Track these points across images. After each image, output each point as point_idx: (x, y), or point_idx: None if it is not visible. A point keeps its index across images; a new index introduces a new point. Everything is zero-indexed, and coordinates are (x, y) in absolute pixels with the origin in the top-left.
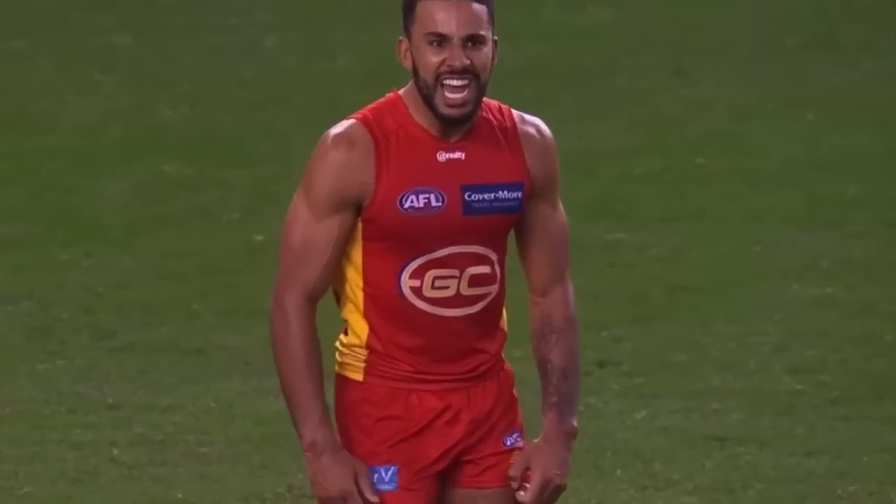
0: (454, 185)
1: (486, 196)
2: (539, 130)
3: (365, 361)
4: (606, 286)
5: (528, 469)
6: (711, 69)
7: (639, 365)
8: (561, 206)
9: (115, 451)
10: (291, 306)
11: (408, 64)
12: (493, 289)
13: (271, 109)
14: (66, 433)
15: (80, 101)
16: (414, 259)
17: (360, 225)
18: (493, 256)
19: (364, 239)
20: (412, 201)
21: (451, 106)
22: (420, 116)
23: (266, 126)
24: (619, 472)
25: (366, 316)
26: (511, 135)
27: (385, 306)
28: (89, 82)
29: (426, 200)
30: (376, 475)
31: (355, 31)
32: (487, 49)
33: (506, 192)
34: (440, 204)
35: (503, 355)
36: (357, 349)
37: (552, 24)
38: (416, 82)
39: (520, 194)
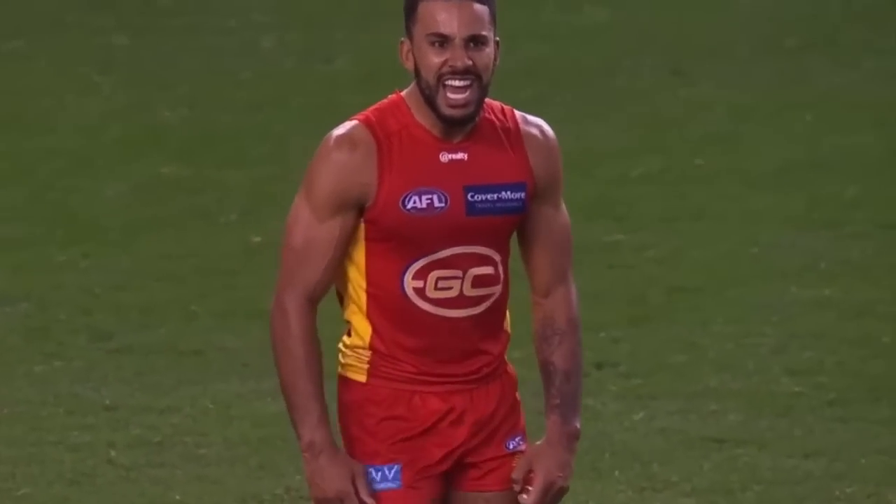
0: (457, 185)
1: (489, 196)
2: (542, 131)
3: (368, 363)
4: (605, 287)
5: (530, 471)
6: (710, 70)
7: (637, 366)
8: (564, 206)
9: (113, 453)
10: (292, 307)
11: (409, 65)
12: (497, 289)
13: (269, 110)
14: (63, 434)
15: (78, 101)
16: (417, 260)
17: (362, 226)
18: (497, 257)
19: (367, 240)
20: (415, 202)
21: (453, 106)
22: (422, 117)
23: (264, 127)
24: (617, 473)
25: (369, 317)
26: (514, 135)
27: (388, 307)
28: (88, 83)
29: (429, 201)
30: (379, 473)
31: (353, 32)
32: (489, 49)
33: (509, 193)
34: (443, 204)
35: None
36: (360, 350)
37: (551, 25)
38: (418, 83)
39: (523, 195)
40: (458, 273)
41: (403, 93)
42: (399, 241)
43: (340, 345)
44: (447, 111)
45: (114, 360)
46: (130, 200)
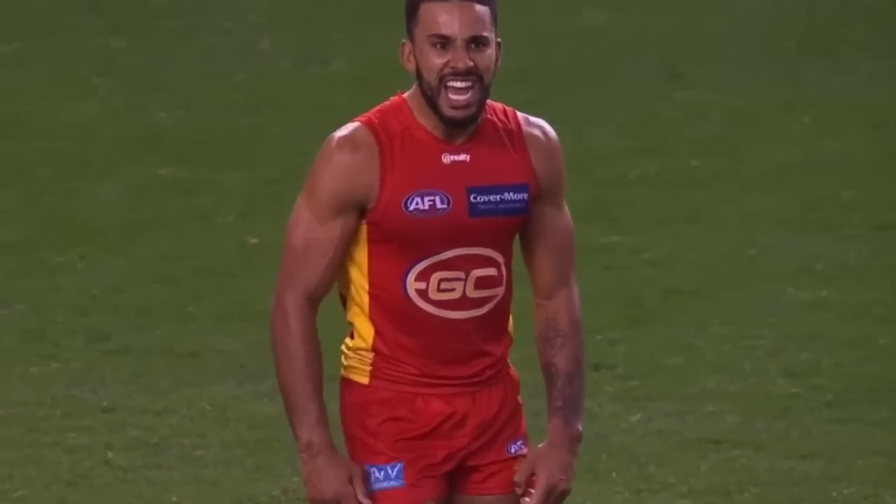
0: (459, 187)
1: (491, 198)
2: (545, 132)
3: (371, 364)
4: (601, 289)
5: (532, 474)
6: (707, 72)
7: (633, 368)
8: (567, 208)
9: (110, 455)
10: (292, 307)
11: (411, 67)
12: (500, 291)
13: (266, 112)
14: (60, 436)
15: (74, 103)
16: (419, 261)
17: (365, 227)
18: (500, 258)
19: (369, 241)
20: (417, 203)
21: (454, 108)
22: (424, 119)
23: (261, 129)
24: (614, 474)
25: (371, 319)
26: (516, 137)
27: (390, 309)
28: (84, 85)
29: (431, 202)
30: (382, 472)
31: (350, 33)
32: (491, 51)
33: (511, 194)
34: (445, 206)
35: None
36: (363, 352)
37: (548, 27)
38: (420, 85)
39: (525, 195)
40: (461, 275)
41: (405, 95)
42: (401, 242)
43: (343, 347)
44: (449, 112)
45: (111, 362)
46: (127, 202)
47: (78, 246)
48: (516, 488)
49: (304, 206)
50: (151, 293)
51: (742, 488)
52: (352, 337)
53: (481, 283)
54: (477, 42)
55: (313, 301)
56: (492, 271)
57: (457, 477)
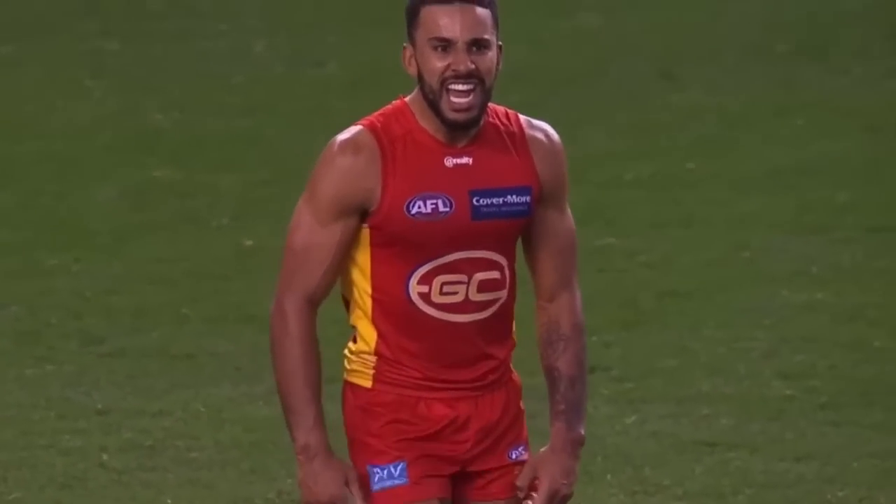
0: (462, 190)
1: (494, 200)
2: (547, 135)
3: (374, 368)
4: (596, 291)
5: (535, 478)
6: (701, 75)
7: (628, 370)
8: (569, 211)
9: (105, 457)
10: (291, 309)
11: (412, 70)
12: (503, 294)
13: (260, 115)
14: (54, 439)
15: (69, 106)
16: (422, 265)
17: (367, 231)
18: (503, 261)
19: (372, 245)
20: (419, 207)
21: (456, 110)
22: (426, 122)
23: (255, 131)
24: (609, 477)
25: (374, 322)
26: (519, 139)
27: (393, 312)
28: (78, 88)
29: (434, 206)
30: (385, 471)
31: (344, 37)
32: (492, 53)
33: (514, 197)
34: (448, 209)
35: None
36: (366, 356)
37: (541, 30)
38: (422, 88)
39: (528, 198)
40: (464, 278)
41: (407, 98)
42: (404, 246)
43: (346, 351)
44: (451, 115)
45: (105, 364)
46: (121, 204)
47: (72, 248)
48: (518, 492)
49: (306, 208)
50: (146, 295)
51: (737, 490)
52: (354, 341)
53: (484, 286)
54: (478, 45)
55: (313, 303)
56: (495, 274)
57: (459, 483)
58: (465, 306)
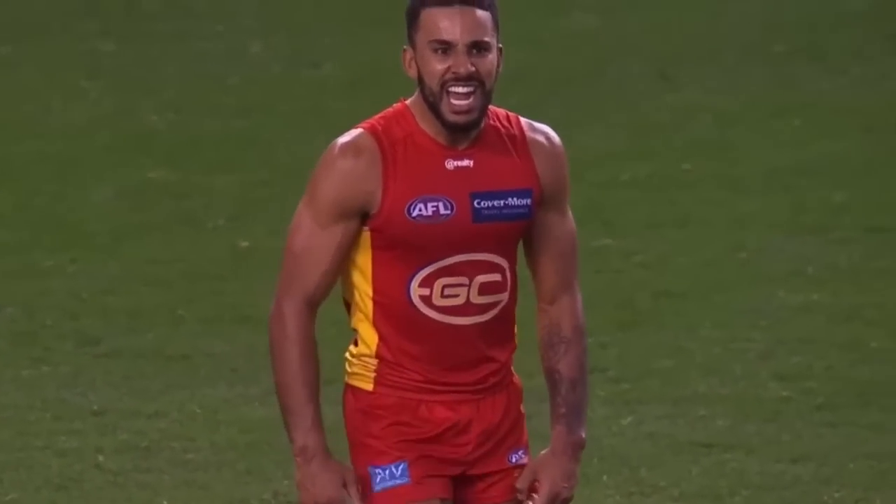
0: (463, 192)
1: (495, 203)
2: (548, 138)
3: (375, 371)
4: (592, 292)
5: (534, 481)
6: (698, 75)
7: (625, 371)
8: (570, 214)
9: (101, 458)
10: (290, 311)
11: (413, 73)
12: (504, 297)
13: (256, 116)
14: (50, 440)
15: (65, 107)
16: (423, 267)
17: (368, 234)
18: (504, 264)
19: (373, 248)
20: (420, 209)
21: (456, 113)
22: (427, 125)
23: (251, 132)
24: (605, 478)
25: (375, 325)
26: (520, 142)
27: (394, 315)
28: (74, 89)
29: (434, 208)
30: (387, 471)
31: (340, 37)
32: (492, 56)
33: (515, 199)
34: (449, 211)
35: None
36: (367, 359)
37: (538, 31)
38: (422, 91)
39: (529, 201)
40: (465, 280)
41: (408, 101)
42: (405, 248)
43: (347, 354)
44: (451, 117)
45: (101, 365)
46: (117, 205)
47: (68, 249)
48: (518, 495)
49: (306, 211)
50: (142, 296)
51: (733, 492)
52: (356, 344)
53: (485, 288)
54: (478, 47)
55: (312, 305)
56: (496, 277)
57: (459, 487)
58: (467, 309)
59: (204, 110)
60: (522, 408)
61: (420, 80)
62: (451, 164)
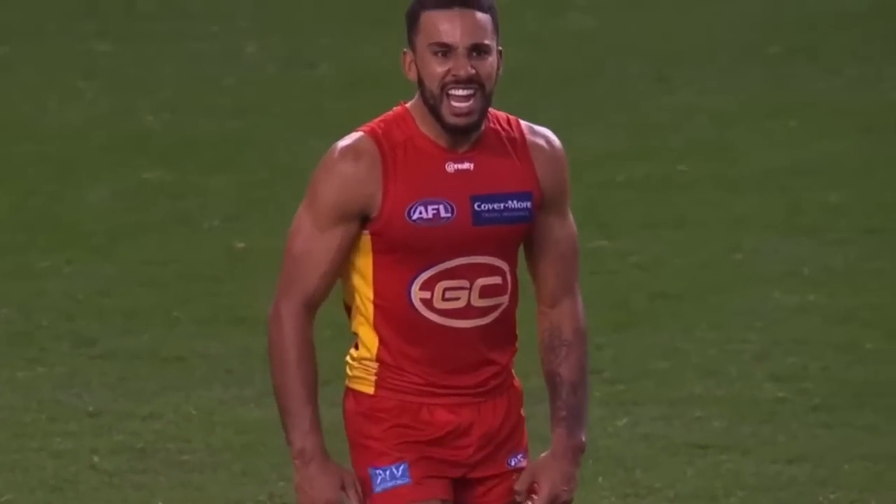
0: (463, 195)
1: (495, 206)
2: (549, 141)
3: (376, 374)
4: (588, 293)
5: (533, 483)
6: (694, 76)
7: (620, 372)
8: (571, 217)
9: (96, 459)
10: (288, 313)
11: (412, 76)
12: (504, 300)
13: (252, 116)
14: (46, 441)
15: (61, 107)
16: (424, 270)
17: (368, 238)
18: (505, 267)
19: (373, 251)
20: (420, 212)
21: (457, 115)
22: (427, 128)
23: (247, 133)
24: (600, 479)
25: (376, 328)
26: (520, 145)
27: (395, 318)
28: (71, 89)
29: (435, 211)
30: (388, 472)
31: (337, 38)
32: (492, 58)
33: (515, 202)
34: (449, 214)
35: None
36: (367, 362)
37: (535, 31)
38: (422, 93)
39: (529, 204)
40: (466, 283)
41: (408, 104)
42: (406, 252)
43: (348, 358)
44: (451, 120)
45: (97, 366)
46: (113, 206)
47: (64, 250)
48: (516, 496)
49: (306, 214)
50: (137, 297)
51: (729, 493)
52: (356, 348)
53: (486, 291)
54: (478, 50)
55: (310, 308)
56: (496, 280)
57: (459, 491)
58: (468, 312)
59: (200, 111)
60: (522, 411)
61: (420, 82)
62: (451, 167)
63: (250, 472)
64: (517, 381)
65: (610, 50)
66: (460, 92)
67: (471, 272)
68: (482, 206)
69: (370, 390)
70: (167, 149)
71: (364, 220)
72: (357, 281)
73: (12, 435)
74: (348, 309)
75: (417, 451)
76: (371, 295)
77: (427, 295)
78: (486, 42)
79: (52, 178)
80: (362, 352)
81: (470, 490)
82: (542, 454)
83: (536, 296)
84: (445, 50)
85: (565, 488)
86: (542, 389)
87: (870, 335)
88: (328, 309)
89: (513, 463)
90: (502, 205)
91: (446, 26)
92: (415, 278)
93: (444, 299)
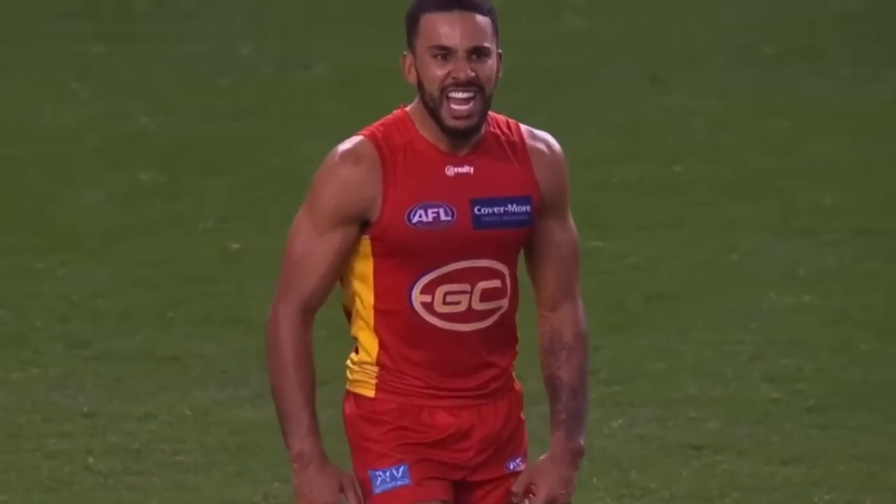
0: (463, 199)
1: (495, 210)
2: (549, 146)
3: (376, 377)
4: (583, 294)
5: (530, 485)
6: (689, 77)
7: (616, 373)
8: (571, 221)
9: (91, 460)
10: (285, 316)
11: (412, 79)
12: (504, 303)
13: (247, 117)
14: (40, 442)
15: (55, 109)
16: (424, 274)
17: (368, 242)
18: (504, 270)
19: (374, 256)
20: (420, 216)
21: (457, 118)
22: (427, 132)
23: (242, 134)
24: (595, 480)
25: (376, 332)
26: (520, 149)
27: (396, 322)
28: (65, 90)
29: (435, 215)
30: (388, 474)
31: (331, 39)
32: (492, 61)
33: (515, 206)
34: (449, 218)
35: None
36: (368, 366)
37: (529, 33)
38: (422, 97)
39: (528, 208)
40: (467, 287)
41: (408, 108)
42: (406, 256)
43: (348, 362)
44: (451, 123)
45: (91, 368)
46: (108, 207)
47: (58, 251)
48: (513, 498)
49: (305, 217)
50: (132, 298)
51: (724, 494)
52: (356, 352)
53: (486, 295)
54: (478, 53)
55: (308, 311)
56: (496, 283)
57: (458, 494)
58: (468, 315)
59: (194, 112)
60: (523, 414)
61: (420, 85)
62: (451, 171)
63: (245, 472)
64: (518, 384)
65: (604, 51)
66: (460, 95)
67: (471, 276)
68: (482, 210)
69: (371, 393)
70: (162, 150)
71: (364, 225)
72: (357, 286)
73: (7, 436)
74: (348, 313)
75: (418, 453)
76: (372, 299)
77: (428, 299)
78: (486, 45)
79: (46, 180)
80: (362, 356)
81: (469, 493)
82: (541, 457)
83: (537, 299)
84: (445, 53)
85: (563, 492)
86: (537, 392)
87: (864, 336)
88: (324, 309)
89: (511, 466)
90: (502, 209)
91: (446, 29)
92: (415, 282)
93: (444, 303)
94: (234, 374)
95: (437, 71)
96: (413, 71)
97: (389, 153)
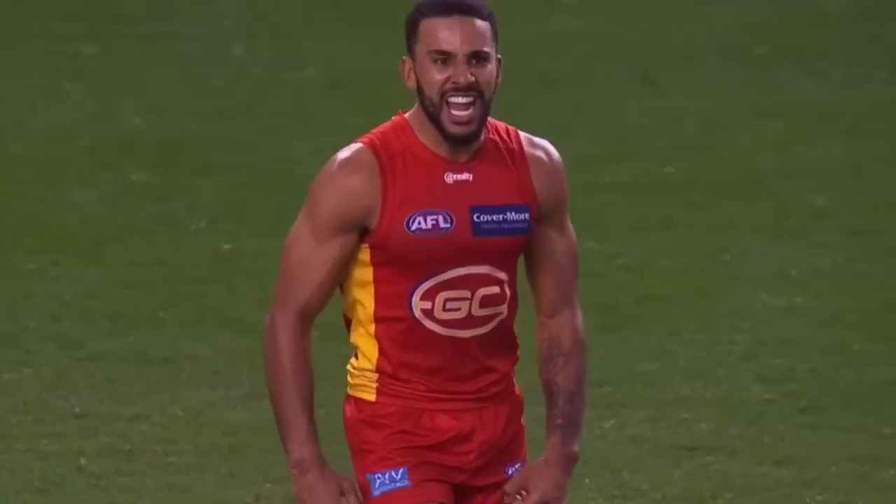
0: (462, 206)
1: (494, 217)
2: (547, 153)
3: (377, 382)
4: None
5: (523, 487)
6: (680, 78)
7: (608, 374)
8: (570, 228)
9: (83, 461)
10: (283, 322)
11: (412, 84)
12: (503, 309)
13: (239, 118)
14: (32, 443)
15: (47, 109)
16: (424, 281)
17: (368, 251)
18: (504, 277)
19: (373, 264)
20: (419, 223)
21: (457, 123)
22: (426, 138)
23: (233, 135)
24: (587, 481)
25: (376, 339)
26: (518, 157)
27: (396, 329)
28: (57, 91)
29: (434, 222)
30: (387, 476)
31: (322, 40)
32: (491, 66)
33: (513, 214)
34: (448, 225)
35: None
36: (368, 372)
37: (519, 33)
38: (422, 102)
39: (527, 216)
40: (467, 294)
41: (407, 114)
42: (405, 263)
43: (349, 366)
44: (451, 128)
45: (83, 368)
46: (100, 208)
47: (50, 252)
48: (505, 497)
49: (304, 224)
50: (124, 299)
51: (716, 494)
52: (356, 357)
53: (486, 301)
54: (478, 57)
55: (306, 318)
56: (495, 289)
57: (458, 499)
58: (468, 322)
59: (186, 113)
60: (523, 420)
61: (419, 90)
62: (450, 178)
63: (237, 473)
64: (518, 390)
65: (596, 52)
66: (460, 100)
67: (471, 282)
68: (481, 217)
69: (371, 397)
70: (153, 151)
71: (363, 232)
72: (357, 293)
73: None
74: (347, 321)
75: (418, 456)
76: (372, 306)
77: (428, 305)
78: (486, 49)
79: (38, 180)
80: (363, 362)
81: (469, 498)
82: (536, 460)
83: (536, 306)
84: (445, 57)
85: (556, 496)
86: (531, 395)
87: (857, 337)
88: (319, 316)
89: (510, 472)
90: (501, 216)
91: (446, 34)
92: (415, 289)
93: (445, 309)
94: (226, 375)
95: (437, 75)
96: (412, 76)
97: (388, 160)
